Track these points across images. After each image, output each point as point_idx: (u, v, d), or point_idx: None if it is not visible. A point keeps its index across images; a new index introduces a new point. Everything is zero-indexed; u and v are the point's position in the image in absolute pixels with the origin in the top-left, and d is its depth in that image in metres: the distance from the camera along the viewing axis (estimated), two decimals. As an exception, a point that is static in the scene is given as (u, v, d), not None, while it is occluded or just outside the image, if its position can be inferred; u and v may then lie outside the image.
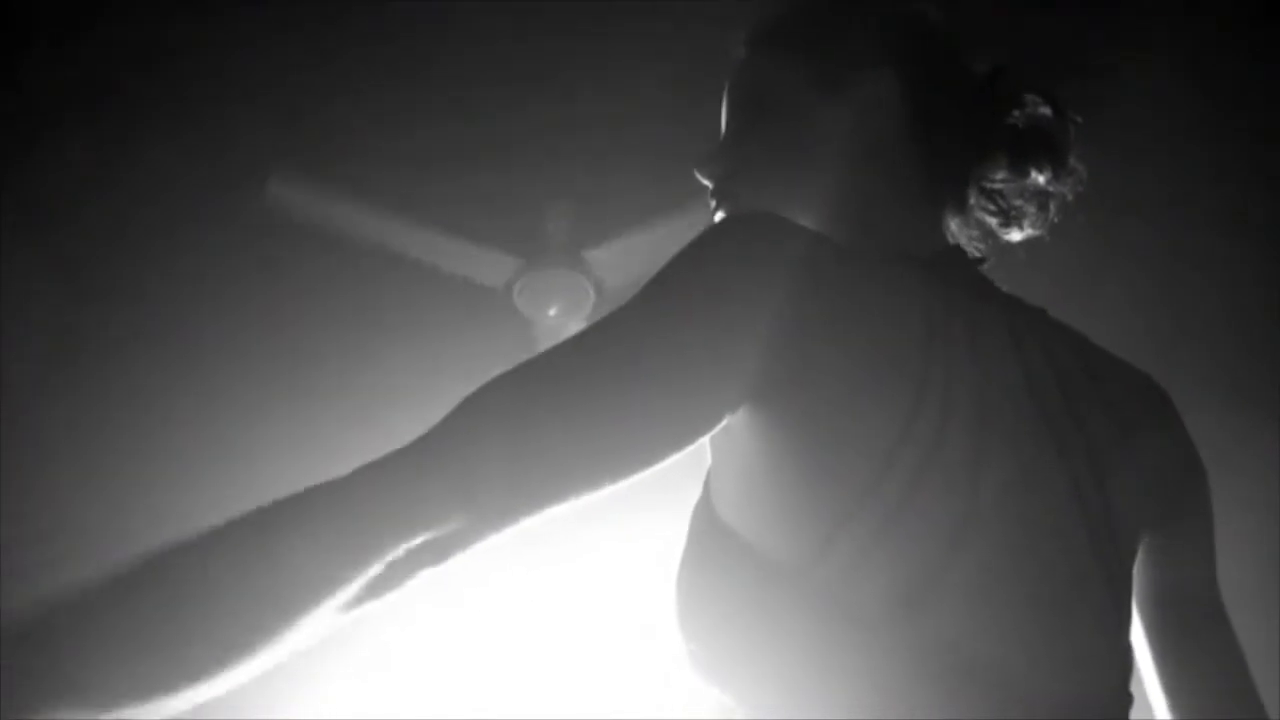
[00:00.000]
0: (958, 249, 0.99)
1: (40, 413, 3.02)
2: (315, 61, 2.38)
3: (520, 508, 0.76)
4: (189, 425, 3.11)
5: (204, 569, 0.69)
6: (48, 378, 2.97)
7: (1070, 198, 1.03)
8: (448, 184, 2.62)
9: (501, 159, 2.57)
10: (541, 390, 0.78)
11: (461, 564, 0.76)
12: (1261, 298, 2.80)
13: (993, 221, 1.04)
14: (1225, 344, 2.88)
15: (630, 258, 2.48)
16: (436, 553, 0.74)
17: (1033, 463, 0.85)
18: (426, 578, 0.75)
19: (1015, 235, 1.04)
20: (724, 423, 0.81)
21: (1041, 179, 1.02)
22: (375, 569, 0.72)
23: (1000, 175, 1.03)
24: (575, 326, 2.57)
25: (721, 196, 1.02)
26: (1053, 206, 1.03)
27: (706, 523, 0.85)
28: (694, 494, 0.88)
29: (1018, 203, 1.03)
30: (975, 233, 1.04)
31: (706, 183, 1.04)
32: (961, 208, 1.02)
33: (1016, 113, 1.03)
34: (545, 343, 0.92)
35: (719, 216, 0.99)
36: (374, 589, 0.73)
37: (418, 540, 0.73)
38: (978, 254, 1.01)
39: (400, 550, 0.72)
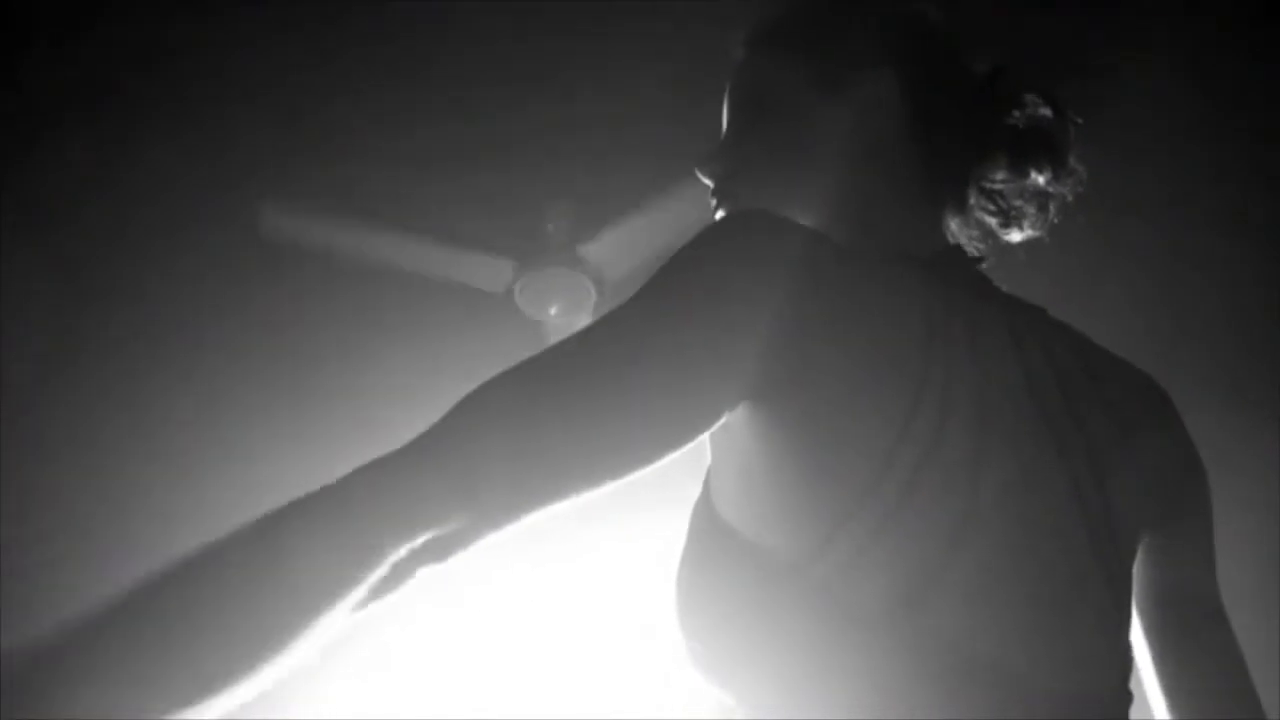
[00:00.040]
0: (958, 249, 0.99)
1: (40, 413, 3.02)
2: (315, 61, 2.38)
3: (521, 505, 0.76)
4: (189, 425, 3.11)
5: (210, 582, 0.69)
6: (48, 378, 2.97)
7: (1070, 198, 1.03)
8: (447, 184, 2.62)
9: (501, 159, 2.57)
10: (541, 388, 0.78)
11: (461, 563, 0.76)
12: (1261, 298, 2.80)
13: (993, 222, 1.04)
14: (1225, 344, 2.88)
15: (627, 251, 2.48)
16: (438, 551, 0.74)
17: (1033, 463, 0.85)
18: (427, 576, 0.75)
19: (1015, 236, 1.04)
20: (723, 421, 0.81)
21: (1041, 179, 1.02)
22: (380, 569, 0.72)
23: (1000, 175, 1.03)
24: (578, 325, 2.57)
25: (722, 196, 1.02)
26: (1052, 207, 1.03)
27: (706, 521, 0.85)
28: (694, 493, 0.88)
29: (1018, 203, 1.03)
30: (975, 233, 1.04)
31: (707, 182, 1.04)
32: (961, 208, 1.02)
33: (1016, 113, 1.03)
34: (547, 343, 0.92)
35: (719, 216, 0.99)
36: (378, 589, 0.73)
37: (420, 539, 0.73)
38: (977, 254, 1.01)
39: (403, 550, 0.72)
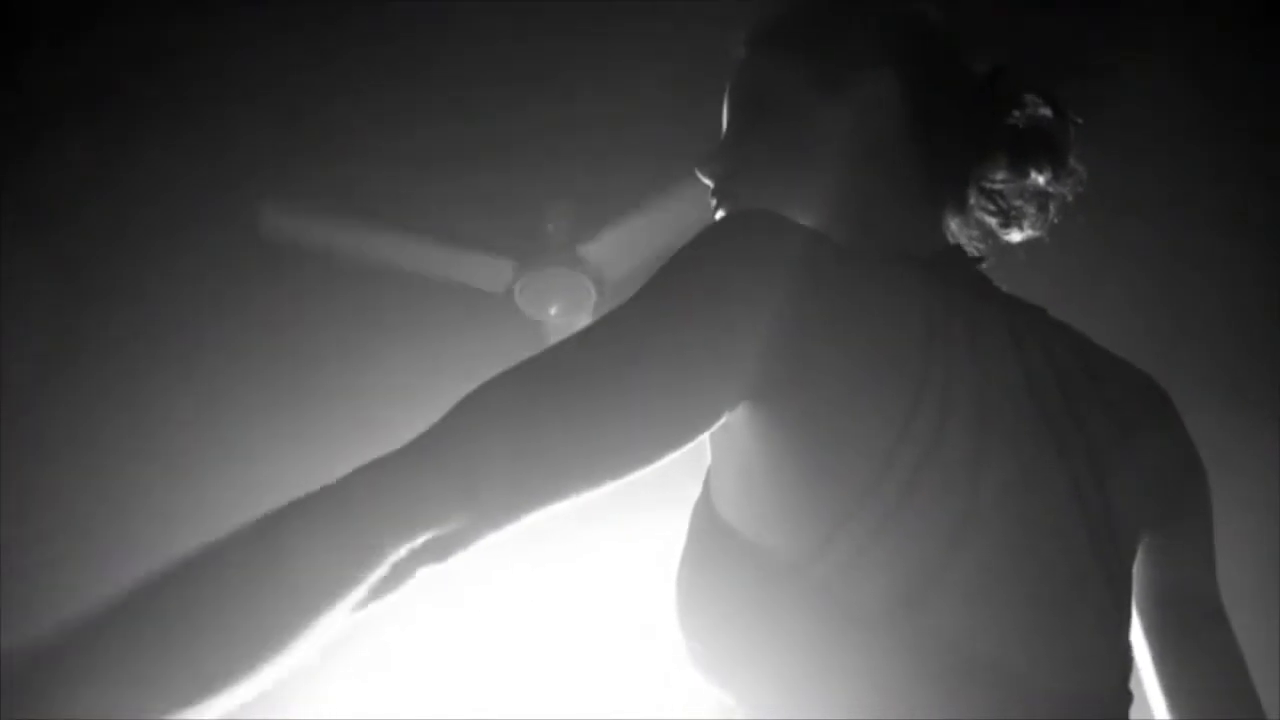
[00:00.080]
0: (957, 248, 0.99)
1: (40, 413, 3.02)
2: (315, 62, 2.38)
3: (521, 505, 0.76)
4: (189, 426, 3.11)
5: (210, 582, 0.69)
6: (48, 378, 2.97)
7: (1070, 198, 1.03)
8: (447, 184, 2.62)
9: (501, 159, 2.57)
10: (541, 388, 0.78)
11: (461, 563, 0.76)
12: (1261, 298, 2.80)
13: (993, 222, 1.04)
14: (1225, 344, 2.88)
15: (627, 251, 2.48)
16: (438, 551, 0.74)
17: (1033, 463, 0.85)
18: (428, 576, 0.75)
19: (1015, 236, 1.04)
20: (723, 421, 0.81)
21: (1041, 179, 1.02)
22: (380, 569, 0.72)
23: (1000, 175, 1.03)
24: (578, 325, 2.57)
25: (722, 196, 1.02)
26: (1052, 207, 1.03)
27: (706, 521, 0.85)
28: (694, 493, 0.88)
29: (1017, 203, 1.03)
30: (975, 233, 1.04)
31: (707, 182, 1.04)
32: (961, 208, 1.02)
33: (1016, 113, 1.03)
34: (547, 343, 0.92)
35: (719, 216, 0.99)
36: (379, 589, 0.73)
37: (420, 539, 0.73)
38: (977, 254, 1.01)
39: (403, 550, 0.72)
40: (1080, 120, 1.03)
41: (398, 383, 2.98)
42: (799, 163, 0.99)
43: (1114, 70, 2.20)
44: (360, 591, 0.71)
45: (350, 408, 3.04)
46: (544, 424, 0.77)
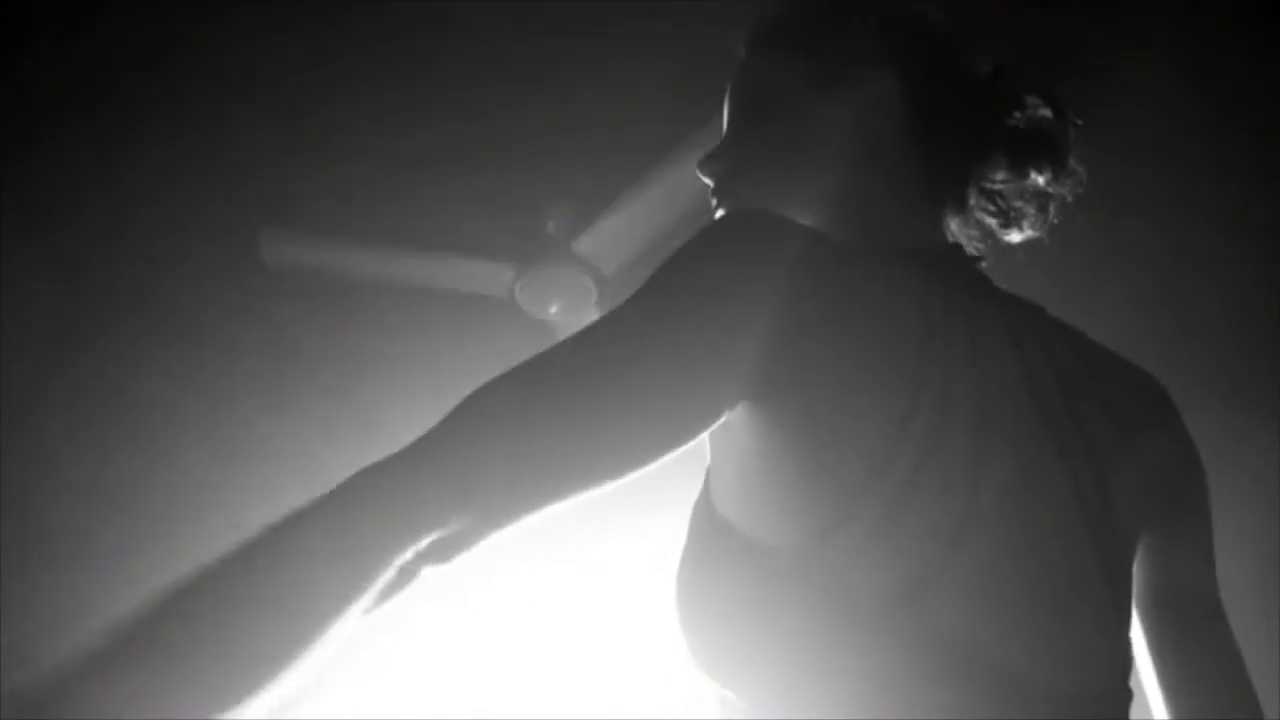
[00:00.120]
0: (957, 247, 0.99)
1: (40, 413, 3.02)
2: (315, 61, 2.38)
3: (520, 507, 0.76)
4: (191, 426, 3.11)
5: (221, 603, 0.69)
6: (48, 378, 2.97)
7: (1070, 199, 1.03)
8: (447, 184, 2.62)
9: (501, 159, 2.57)
10: (540, 389, 0.78)
11: (462, 562, 0.76)
12: (1261, 298, 2.80)
13: (992, 222, 1.04)
14: (1225, 344, 2.88)
15: (623, 241, 2.48)
16: (441, 553, 0.74)
17: (1033, 462, 0.85)
18: (430, 577, 0.75)
19: (1015, 236, 1.05)
20: (723, 420, 0.81)
21: (1041, 180, 1.02)
22: (387, 574, 0.72)
23: (1000, 176, 1.03)
24: (583, 321, 2.57)
25: (722, 195, 1.02)
26: (1052, 208, 1.03)
27: (706, 520, 0.85)
28: (694, 493, 0.89)
29: (1017, 204, 1.03)
30: (975, 233, 1.04)
31: (707, 182, 1.04)
32: (961, 208, 1.02)
33: (1017, 113, 1.03)
34: (556, 340, 0.92)
35: (719, 215, 0.99)
36: (386, 592, 0.73)
37: (424, 542, 0.73)
38: (977, 254, 1.01)
39: (408, 553, 0.72)
40: (1080, 121, 1.03)
41: (399, 383, 2.99)
42: (799, 162, 0.99)
43: (1114, 70, 2.20)
44: (369, 597, 0.71)
45: (354, 409, 3.04)
46: (543, 425, 0.77)
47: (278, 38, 2.33)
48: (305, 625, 0.69)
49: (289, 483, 2.86)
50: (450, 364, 2.71)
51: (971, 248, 1.02)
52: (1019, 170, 1.02)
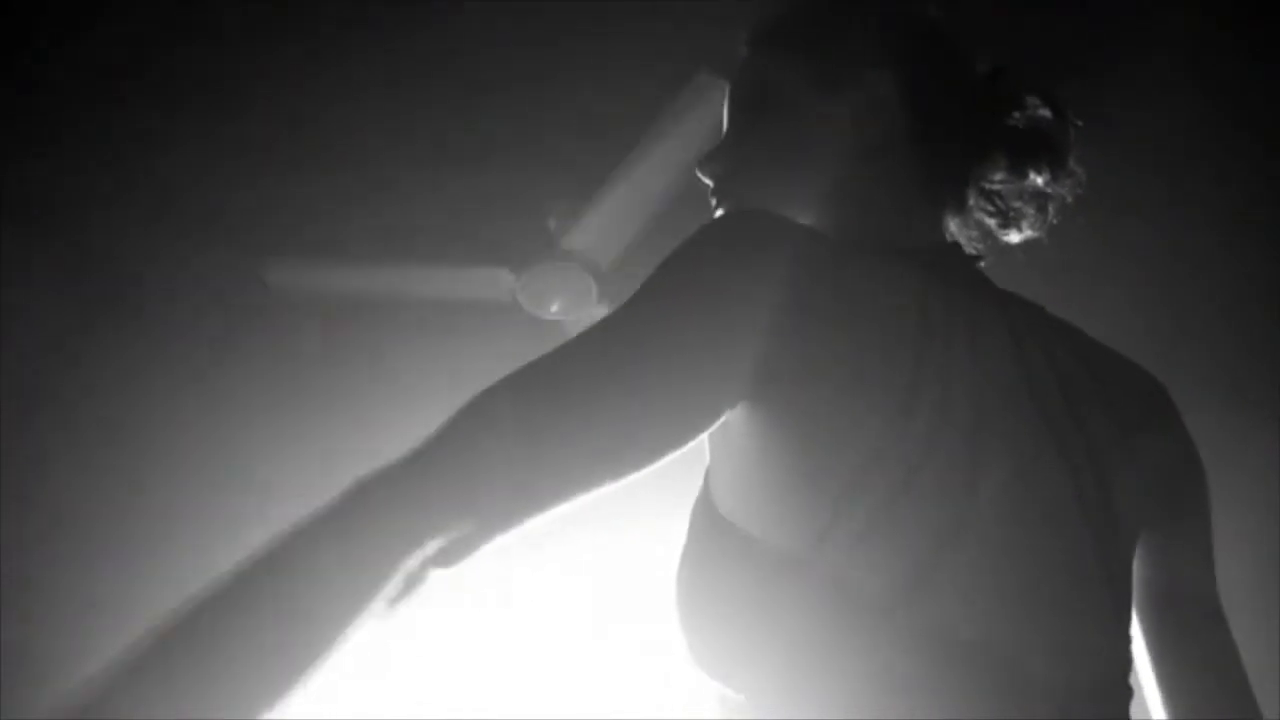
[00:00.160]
0: (956, 247, 0.99)
1: (40, 414, 3.02)
2: (316, 64, 2.38)
3: (524, 509, 0.76)
4: (192, 427, 3.11)
5: (232, 622, 0.69)
6: (48, 379, 2.97)
7: (1070, 199, 1.03)
8: (448, 184, 2.62)
9: (501, 159, 2.57)
10: (541, 393, 0.78)
11: (465, 566, 0.76)
12: (1261, 298, 2.80)
13: (992, 222, 1.04)
14: (1225, 344, 2.88)
15: (613, 233, 2.48)
16: (444, 558, 0.74)
17: (1033, 463, 0.85)
18: (435, 581, 0.75)
19: (1014, 237, 1.05)
20: (722, 419, 0.81)
21: (1040, 180, 1.02)
22: (395, 580, 0.72)
23: (999, 176, 1.03)
24: (587, 318, 2.58)
25: (722, 195, 1.02)
26: (1052, 208, 1.03)
27: (706, 519, 0.85)
28: (693, 492, 0.89)
29: (1016, 204, 1.03)
30: (974, 233, 1.04)
31: (707, 182, 1.04)
32: (961, 208, 1.02)
33: (1016, 114, 1.03)
34: (565, 337, 0.92)
35: (718, 214, 0.99)
36: (396, 598, 0.73)
37: (430, 548, 0.73)
38: (976, 254, 1.02)
39: (415, 559, 0.72)
40: (1080, 121, 1.03)
41: (400, 384, 2.99)
42: (799, 162, 0.99)
43: (1114, 70, 2.20)
44: (380, 603, 0.72)
45: (356, 411, 3.04)
46: (544, 428, 0.77)
47: (278, 39, 2.33)
48: (320, 632, 0.70)
49: (290, 483, 2.87)
50: (457, 365, 2.70)
51: (971, 248, 1.02)
52: (1018, 170, 1.02)
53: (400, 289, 2.68)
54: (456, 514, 0.73)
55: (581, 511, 0.78)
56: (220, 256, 2.78)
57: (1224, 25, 2.23)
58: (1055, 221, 1.04)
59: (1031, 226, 1.04)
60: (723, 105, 1.06)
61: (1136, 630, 0.96)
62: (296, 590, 0.70)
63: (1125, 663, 0.89)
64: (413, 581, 0.73)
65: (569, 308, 2.66)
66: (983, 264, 1.01)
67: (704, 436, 0.82)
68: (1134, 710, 0.88)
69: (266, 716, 0.68)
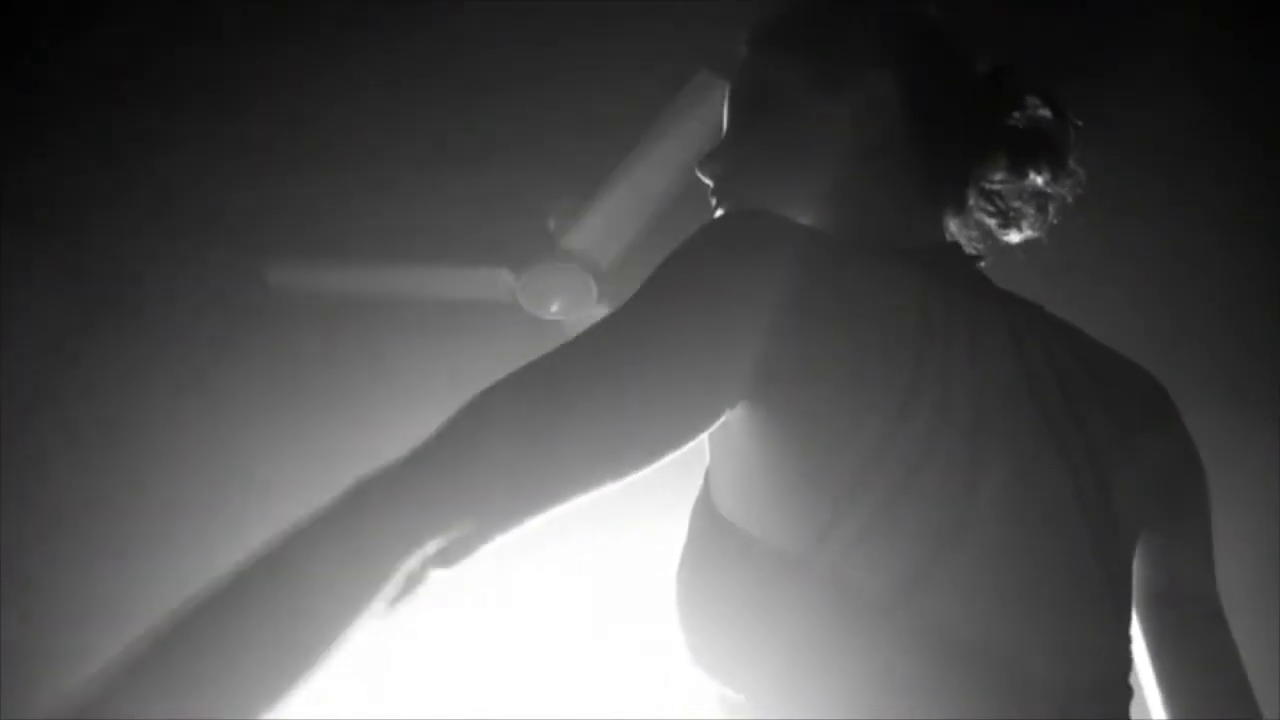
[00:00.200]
0: (956, 247, 0.99)
1: (40, 414, 3.02)
2: (316, 63, 2.38)
3: (524, 509, 0.76)
4: (192, 427, 3.11)
5: (232, 623, 0.69)
6: (48, 379, 2.97)
7: (1069, 199, 1.03)
8: (448, 184, 2.62)
9: (501, 159, 2.57)
10: (541, 393, 0.78)
11: (465, 566, 0.76)
12: (1261, 298, 2.80)
13: (991, 222, 1.04)
14: (1225, 344, 2.88)
15: (611, 232, 2.49)
16: (444, 558, 0.74)
17: (1032, 463, 0.85)
18: (436, 580, 0.75)
19: (1014, 236, 1.04)
20: (722, 419, 0.81)
21: (1040, 180, 1.02)
22: (396, 580, 0.72)
23: (999, 176, 1.03)
24: (588, 317, 2.58)
25: (722, 195, 1.02)
26: (1051, 208, 1.03)
27: (706, 519, 0.85)
28: (693, 492, 0.89)
29: (1016, 204, 1.03)
30: (974, 233, 1.04)
31: (707, 181, 1.04)
32: (961, 208, 1.02)
33: (1016, 114, 1.03)
34: (565, 337, 0.92)
35: (718, 214, 0.99)
36: (397, 598, 0.73)
37: (430, 547, 0.73)
38: (976, 253, 1.02)
39: (415, 560, 0.72)
40: (1080, 121, 1.03)
41: (401, 384, 2.99)
42: (799, 162, 0.99)
43: (1114, 70, 2.20)
44: (380, 603, 0.72)
45: (357, 411, 3.04)
46: (544, 428, 0.77)
47: (278, 38, 2.33)
48: (320, 632, 0.70)
49: (290, 483, 2.87)
50: (457, 364, 2.70)
51: (971, 248, 1.02)
52: (1018, 170, 1.02)
53: (400, 289, 2.68)
54: (457, 514, 0.73)
55: (581, 511, 0.78)
56: (220, 256, 2.78)
57: (1224, 25, 2.24)
58: (1055, 221, 1.04)
59: (1031, 226, 1.04)
60: (723, 105, 1.06)
61: (1136, 630, 0.96)
62: (296, 590, 0.70)
63: (1125, 663, 0.89)
64: (413, 581, 0.73)
65: (569, 308, 2.66)
66: (983, 264, 1.01)
67: (704, 436, 0.82)
68: (1134, 710, 0.88)
69: (266, 716, 0.68)
